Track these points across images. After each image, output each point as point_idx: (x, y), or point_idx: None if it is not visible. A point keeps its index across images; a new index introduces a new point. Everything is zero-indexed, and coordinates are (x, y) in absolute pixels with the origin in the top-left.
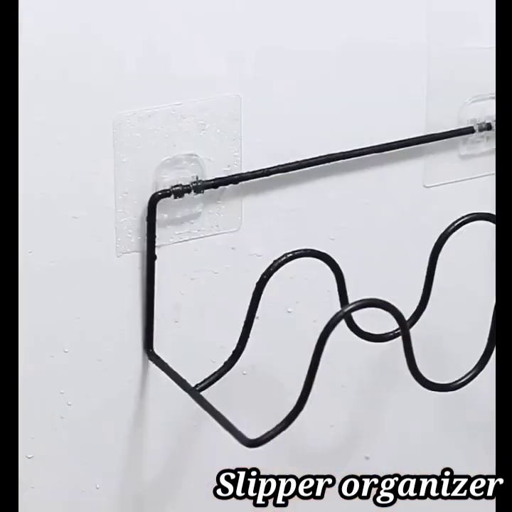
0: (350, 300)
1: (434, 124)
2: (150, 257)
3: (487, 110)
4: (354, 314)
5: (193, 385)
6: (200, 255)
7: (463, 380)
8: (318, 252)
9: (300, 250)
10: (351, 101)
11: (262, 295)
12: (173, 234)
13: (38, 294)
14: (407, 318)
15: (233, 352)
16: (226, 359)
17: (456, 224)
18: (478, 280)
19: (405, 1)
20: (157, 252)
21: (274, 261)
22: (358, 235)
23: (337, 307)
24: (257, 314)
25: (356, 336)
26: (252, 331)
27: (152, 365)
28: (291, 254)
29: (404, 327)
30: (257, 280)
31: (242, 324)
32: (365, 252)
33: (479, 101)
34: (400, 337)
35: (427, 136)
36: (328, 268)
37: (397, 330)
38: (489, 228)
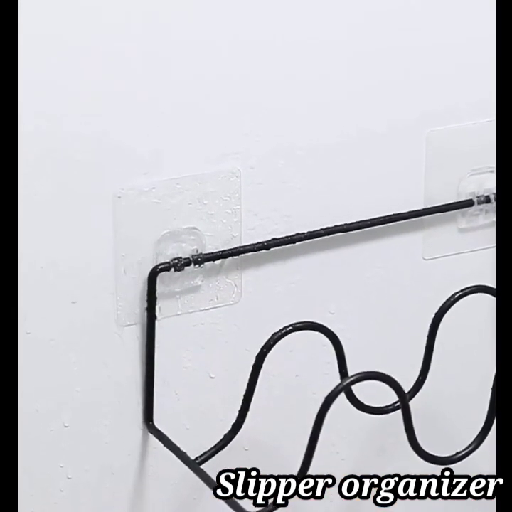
0: (350, 372)
1: (433, 197)
2: (150, 330)
3: (486, 183)
4: (354, 386)
5: (193, 457)
6: (199, 328)
7: (463, 453)
8: (318, 324)
9: (299, 323)
10: (351, 175)
11: (262, 368)
12: (173, 306)
13: (38, 368)
14: (407, 390)
15: (233, 425)
16: (226, 432)
17: (455, 296)
18: (478, 352)
19: (401, 81)
20: (157, 324)
21: (274, 334)
22: (358, 307)
23: (337, 379)
24: (257, 387)
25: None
26: (251, 403)
27: (152, 438)
28: (290, 327)
29: (404, 400)
30: (257, 353)
31: (242, 397)
32: (364, 324)
33: (478, 174)
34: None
35: (426, 209)
36: (327, 340)
37: (396, 402)
38: (488, 300)
